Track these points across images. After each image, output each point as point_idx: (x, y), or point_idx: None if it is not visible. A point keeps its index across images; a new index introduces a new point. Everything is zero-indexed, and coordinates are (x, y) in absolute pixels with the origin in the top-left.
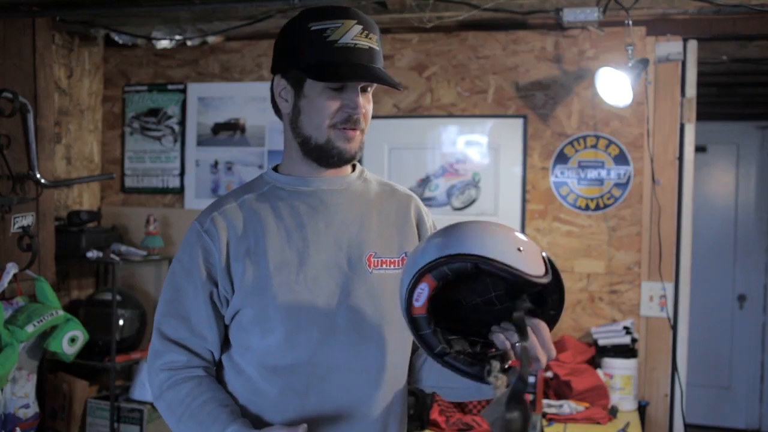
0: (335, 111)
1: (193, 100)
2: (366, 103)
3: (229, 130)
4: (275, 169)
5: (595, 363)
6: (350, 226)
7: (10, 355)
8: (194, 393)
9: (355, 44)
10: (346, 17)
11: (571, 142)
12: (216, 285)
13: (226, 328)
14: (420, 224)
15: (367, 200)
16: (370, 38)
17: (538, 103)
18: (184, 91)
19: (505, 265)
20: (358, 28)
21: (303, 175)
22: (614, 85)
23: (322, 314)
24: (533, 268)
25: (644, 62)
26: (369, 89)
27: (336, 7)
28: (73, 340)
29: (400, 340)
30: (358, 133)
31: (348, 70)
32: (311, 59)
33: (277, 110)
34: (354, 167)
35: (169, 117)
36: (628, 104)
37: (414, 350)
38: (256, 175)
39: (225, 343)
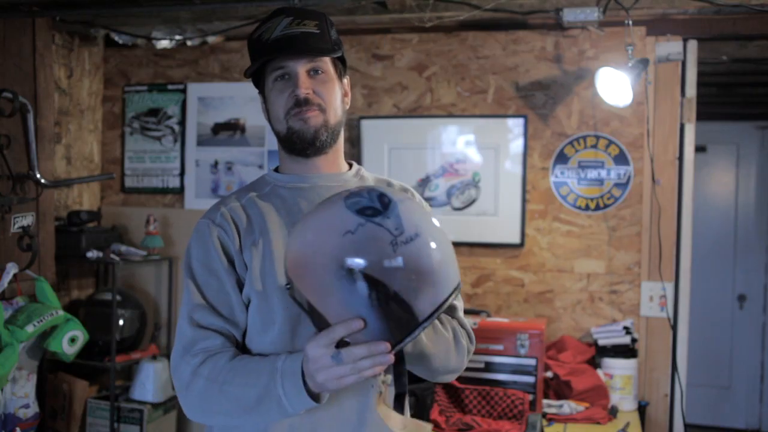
0: (286, 99)
1: (193, 100)
2: (318, 84)
3: (229, 130)
4: (276, 170)
5: (595, 363)
6: None
7: (10, 355)
8: (236, 359)
9: (284, 34)
10: (277, 15)
11: (571, 142)
12: (237, 274)
13: None
14: None
15: None
16: (304, 24)
17: (538, 103)
18: (184, 91)
19: None
20: (287, 20)
21: (299, 173)
22: (614, 85)
23: None
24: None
25: (644, 62)
26: (322, 70)
27: (271, 12)
28: (73, 340)
29: None
30: (314, 112)
31: (268, 52)
32: (256, 62)
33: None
34: (351, 166)
35: (169, 117)
36: (628, 104)
37: None
38: (256, 175)
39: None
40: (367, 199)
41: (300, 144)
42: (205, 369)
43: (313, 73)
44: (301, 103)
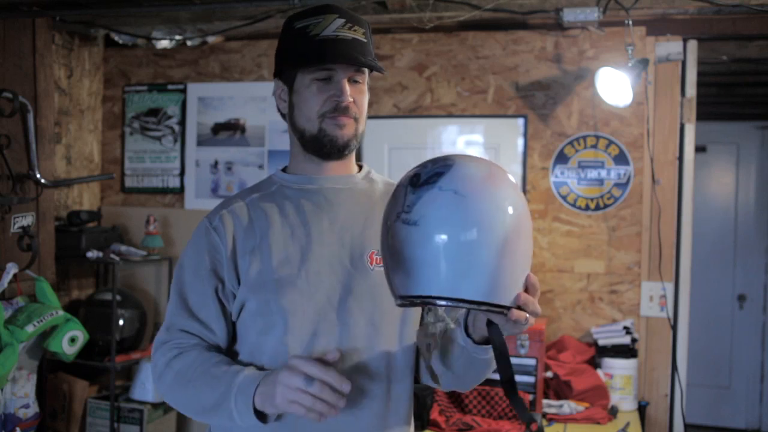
0: (323, 101)
1: (193, 100)
2: (357, 93)
3: (229, 130)
4: (284, 169)
5: (595, 363)
6: (354, 223)
7: (10, 355)
8: (204, 357)
9: (337, 36)
10: (328, 12)
11: (571, 142)
12: (221, 281)
13: (234, 326)
14: None
15: (371, 199)
16: (355, 30)
17: (538, 103)
18: (184, 91)
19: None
20: (340, 21)
21: (308, 174)
22: (614, 85)
23: (323, 309)
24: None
25: (644, 62)
26: (360, 81)
27: (319, 6)
28: (73, 340)
29: (398, 336)
30: (350, 120)
31: (328, 56)
32: (297, 54)
33: (282, 113)
34: (360, 167)
35: (169, 117)
36: (628, 104)
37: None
38: (256, 175)
39: (233, 354)
40: (425, 168)
41: (329, 148)
42: (177, 363)
43: (353, 81)
44: (340, 110)
